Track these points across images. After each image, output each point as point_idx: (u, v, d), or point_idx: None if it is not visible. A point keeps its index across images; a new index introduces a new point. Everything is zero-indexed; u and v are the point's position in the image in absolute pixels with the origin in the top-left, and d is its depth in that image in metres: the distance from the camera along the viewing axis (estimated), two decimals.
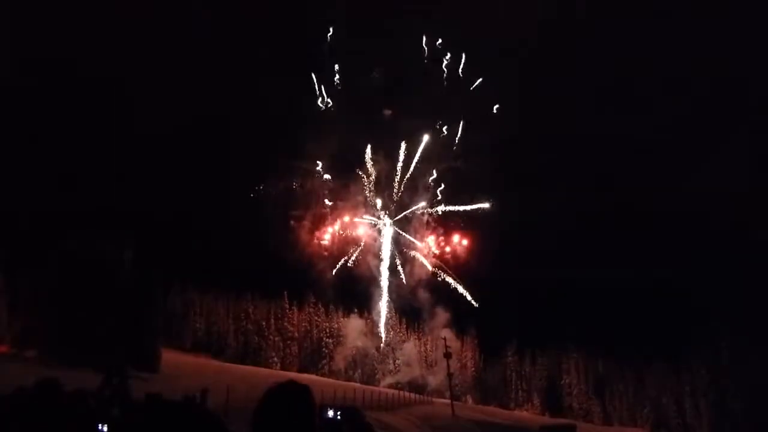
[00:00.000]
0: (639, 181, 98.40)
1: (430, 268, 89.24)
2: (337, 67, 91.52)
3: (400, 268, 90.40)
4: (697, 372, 76.39)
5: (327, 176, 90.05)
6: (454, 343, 79.05)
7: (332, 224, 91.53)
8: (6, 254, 50.75)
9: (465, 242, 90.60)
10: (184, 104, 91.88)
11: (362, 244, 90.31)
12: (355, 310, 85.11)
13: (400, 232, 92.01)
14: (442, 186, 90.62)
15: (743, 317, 68.89)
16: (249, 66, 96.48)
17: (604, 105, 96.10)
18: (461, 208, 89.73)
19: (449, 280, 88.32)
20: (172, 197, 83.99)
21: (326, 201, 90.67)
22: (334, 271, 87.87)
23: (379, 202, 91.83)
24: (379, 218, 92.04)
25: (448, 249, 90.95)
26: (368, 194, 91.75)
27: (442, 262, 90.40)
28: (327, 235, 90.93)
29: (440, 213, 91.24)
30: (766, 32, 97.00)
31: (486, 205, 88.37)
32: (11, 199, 60.57)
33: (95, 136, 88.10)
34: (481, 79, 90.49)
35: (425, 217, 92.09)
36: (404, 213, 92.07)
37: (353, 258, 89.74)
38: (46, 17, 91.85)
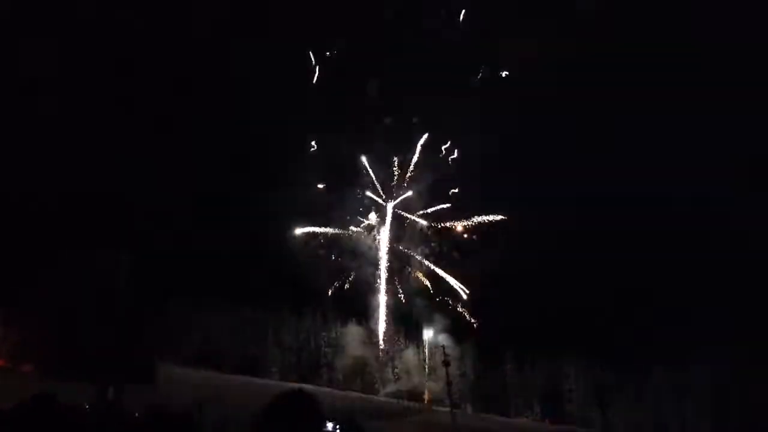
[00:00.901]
0: (638, 186, 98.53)
1: (427, 283, 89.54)
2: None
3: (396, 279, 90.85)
4: (698, 378, 76.23)
5: (321, 186, 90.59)
6: (453, 350, 78.99)
7: (329, 234, 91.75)
8: (1, 269, 50.62)
9: (475, 237, 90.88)
10: (183, 112, 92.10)
11: (360, 263, 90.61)
12: (353, 320, 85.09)
13: (399, 247, 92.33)
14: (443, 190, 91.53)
15: (745, 322, 68.89)
16: (247, 74, 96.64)
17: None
18: (479, 219, 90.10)
19: (447, 293, 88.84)
20: (169, 208, 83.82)
21: (324, 211, 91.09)
22: (331, 291, 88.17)
23: (373, 216, 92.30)
24: (375, 228, 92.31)
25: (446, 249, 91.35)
26: (365, 202, 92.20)
27: (440, 268, 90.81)
28: (323, 238, 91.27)
29: (439, 226, 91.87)
30: None
31: (499, 217, 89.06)
32: (6, 213, 60.42)
33: (91, 148, 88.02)
34: (506, 72, 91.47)
35: (419, 224, 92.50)
36: (404, 220, 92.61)
37: (351, 272, 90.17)
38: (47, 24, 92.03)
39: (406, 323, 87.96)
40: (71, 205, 73.59)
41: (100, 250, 49.85)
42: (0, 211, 60.36)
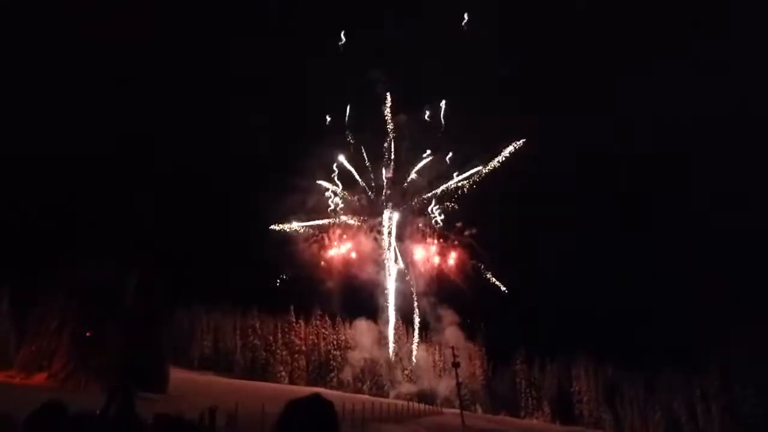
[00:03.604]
0: (644, 181, 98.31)
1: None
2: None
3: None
4: (708, 376, 75.80)
5: (332, 189, 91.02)
6: (464, 345, 79.10)
7: (336, 237, 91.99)
8: (12, 280, 51.54)
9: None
10: (188, 116, 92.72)
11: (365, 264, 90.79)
12: (363, 318, 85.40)
13: (405, 249, 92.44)
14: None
15: (754, 320, 68.44)
16: (251, 82, 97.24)
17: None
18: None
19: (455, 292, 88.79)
20: (176, 214, 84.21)
21: (329, 215, 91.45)
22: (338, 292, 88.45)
23: (386, 214, 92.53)
24: (380, 232, 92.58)
25: (452, 259, 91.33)
26: (369, 200, 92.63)
27: (444, 268, 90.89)
28: (332, 252, 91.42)
29: (442, 227, 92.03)
30: None
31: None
32: (16, 225, 61.10)
33: (96, 157, 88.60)
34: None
35: (422, 221, 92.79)
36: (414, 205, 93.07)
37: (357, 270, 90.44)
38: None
39: (414, 323, 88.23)
40: (78, 213, 74.18)
41: (109, 259, 50.04)
42: (12, 226, 61.18)
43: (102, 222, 72.76)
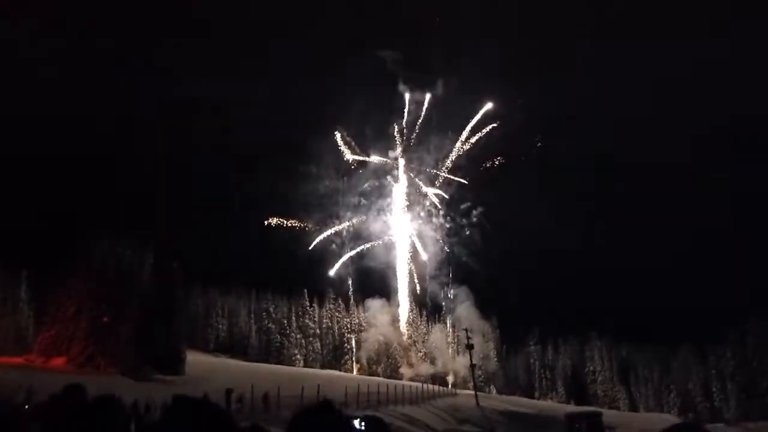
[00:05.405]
0: (656, 163, 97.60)
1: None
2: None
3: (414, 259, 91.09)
4: (723, 355, 75.45)
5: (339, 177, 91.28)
6: (478, 324, 79.24)
7: (348, 221, 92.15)
8: (30, 266, 52.31)
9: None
10: (199, 102, 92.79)
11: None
12: (377, 296, 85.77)
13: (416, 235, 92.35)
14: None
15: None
16: (257, 68, 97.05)
17: None
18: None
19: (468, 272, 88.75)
20: (189, 200, 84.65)
21: (339, 198, 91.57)
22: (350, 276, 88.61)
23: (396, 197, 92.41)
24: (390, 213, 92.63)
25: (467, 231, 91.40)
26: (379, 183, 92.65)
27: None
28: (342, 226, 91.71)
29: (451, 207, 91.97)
30: None
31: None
32: (33, 212, 61.77)
33: (111, 139, 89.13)
34: None
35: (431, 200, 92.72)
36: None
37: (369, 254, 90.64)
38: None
39: (428, 306, 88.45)
40: (93, 199, 74.75)
41: (123, 242, 50.46)
42: (29, 212, 61.91)
43: (118, 208, 73.37)
